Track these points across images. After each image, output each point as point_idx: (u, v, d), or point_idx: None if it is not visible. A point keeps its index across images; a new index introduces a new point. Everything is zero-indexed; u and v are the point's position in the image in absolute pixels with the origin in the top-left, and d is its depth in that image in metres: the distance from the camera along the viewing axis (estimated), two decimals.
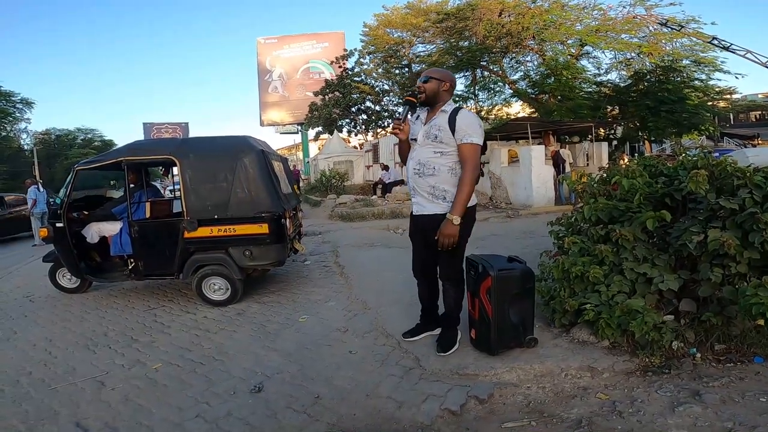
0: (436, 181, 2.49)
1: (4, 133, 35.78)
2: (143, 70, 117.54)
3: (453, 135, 2.41)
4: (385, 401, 2.32)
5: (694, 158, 2.86)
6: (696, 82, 15.84)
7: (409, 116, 2.56)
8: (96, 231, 4.59)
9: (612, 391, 2.25)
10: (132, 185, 4.49)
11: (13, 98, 34.86)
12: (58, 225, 4.33)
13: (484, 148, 2.64)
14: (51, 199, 10.35)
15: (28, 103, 36.10)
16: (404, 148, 2.65)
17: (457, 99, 20.14)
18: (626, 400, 2.12)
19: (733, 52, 15.44)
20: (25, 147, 37.85)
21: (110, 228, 4.58)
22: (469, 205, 2.48)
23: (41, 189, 10.51)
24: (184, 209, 4.06)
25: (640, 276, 2.55)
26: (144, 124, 38.45)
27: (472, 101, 20.37)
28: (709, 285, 2.34)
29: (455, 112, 2.44)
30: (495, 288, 2.47)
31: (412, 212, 2.71)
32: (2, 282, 5.98)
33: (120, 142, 49.32)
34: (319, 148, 29.30)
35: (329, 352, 2.98)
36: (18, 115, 36.35)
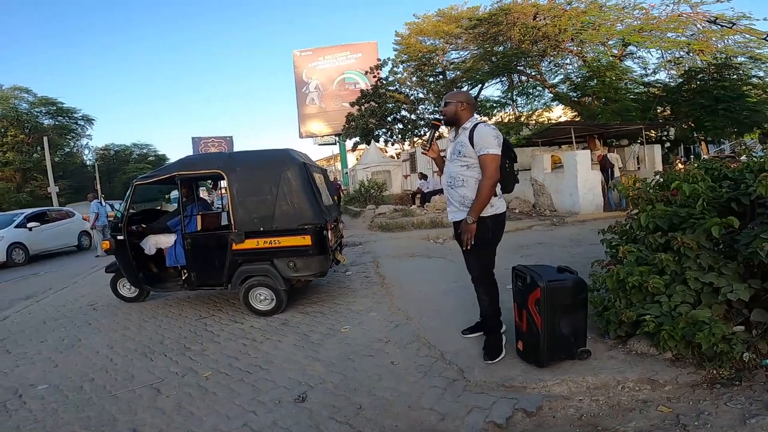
0: (465, 191, 2.70)
1: (68, 149, 38.07)
2: (190, 86, 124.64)
3: (473, 149, 2.64)
4: (427, 413, 2.28)
5: (761, 160, 2.64)
6: (754, 79, 14.73)
7: (434, 137, 2.88)
8: (153, 243, 4.86)
9: (675, 404, 2.11)
10: (184, 199, 4.72)
11: (75, 115, 36.98)
12: (119, 237, 4.61)
13: (514, 157, 2.84)
14: (113, 211, 11.09)
15: (88, 120, 38.19)
16: (440, 162, 3.01)
17: (494, 105, 19.83)
18: (691, 413, 1.98)
19: None
20: (87, 162, 40.28)
21: (166, 240, 4.83)
22: (497, 212, 2.71)
23: (103, 203, 11.28)
24: (232, 222, 4.22)
25: (706, 286, 2.37)
26: (192, 138, 40.39)
27: (510, 107, 19.98)
28: None
29: (473, 128, 2.68)
30: (545, 299, 2.39)
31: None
32: (68, 291, 6.43)
33: (171, 155, 52.22)
34: (356, 159, 29.68)
35: (371, 362, 2.98)
36: (80, 131, 38.60)
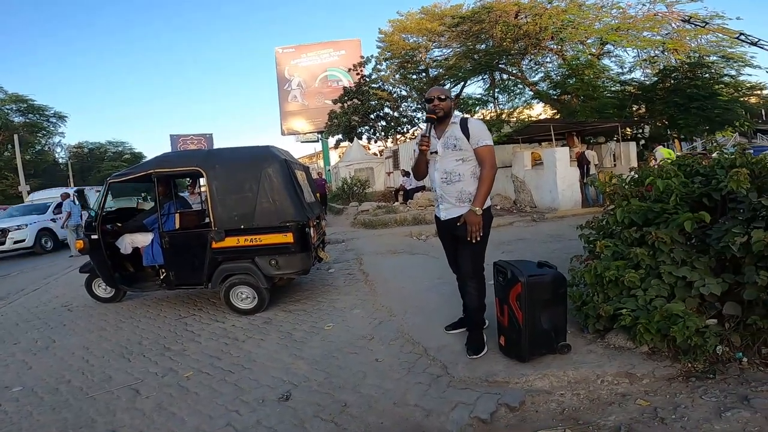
0: (462, 186, 2.68)
1: (39, 147, 36.85)
2: (168, 83, 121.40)
3: (468, 141, 2.65)
4: (412, 409, 2.29)
5: (732, 156, 2.73)
6: (725, 77, 15.24)
7: (432, 131, 2.76)
8: (129, 242, 4.73)
9: (653, 397, 2.17)
10: (161, 197, 4.62)
11: (46, 112, 35.86)
12: (93, 237, 4.48)
13: None
14: (84, 212, 10.78)
15: (61, 117, 37.08)
16: (422, 165, 2.84)
17: (476, 102, 19.97)
18: (668, 406, 2.04)
19: (762, 48, 14.81)
20: (60, 160, 39.17)
21: (142, 239, 4.71)
22: (488, 205, 2.72)
23: (76, 202, 10.94)
24: (212, 220, 4.15)
25: (680, 280, 2.44)
26: (171, 135, 39.58)
27: (491, 104, 20.17)
28: (755, 288, 2.22)
29: (464, 121, 2.71)
30: (525, 294, 2.42)
31: (438, 217, 2.87)
32: (42, 292, 6.22)
33: (148, 153, 51.09)
34: (339, 156, 29.55)
35: (356, 359, 2.98)
36: (52, 129, 37.43)
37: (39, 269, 8.92)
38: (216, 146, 36.59)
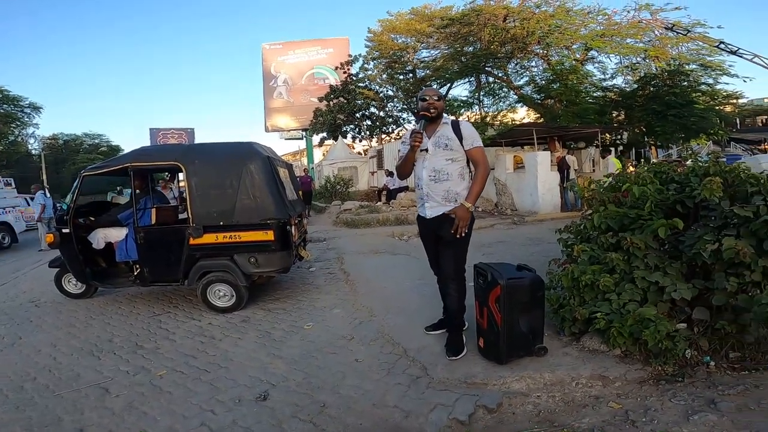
0: (449, 185, 2.71)
1: (12, 138, 36.05)
2: (150, 76, 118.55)
3: (461, 143, 2.69)
4: (392, 411, 2.29)
5: (706, 164, 2.81)
6: (703, 86, 15.71)
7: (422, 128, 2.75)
8: (102, 237, 4.60)
9: (624, 400, 2.21)
10: (138, 191, 4.50)
11: (21, 103, 35.10)
12: (65, 231, 4.34)
13: None
14: (58, 204, 10.43)
15: (36, 108, 36.36)
16: (410, 163, 2.80)
17: (462, 105, 20.14)
18: (639, 409, 2.08)
19: (741, 57, 15.32)
20: (33, 152, 38.22)
21: (116, 234, 4.59)
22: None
23: (48, 195, 10.57)
24: (190, 216, 4.06)
25: (652, 284, 2.50)
26: (150, 129, 38.55)
27: (476, 107, 20.38)
28: (724, 294, 2.29)
29: (456, 122, 2.77)
30: (504, 297, 2.44)
31: (422, 216, 2.86)
32: (9, 287, 6.01)
33: (127, 147, 49.97)
34: (323, 154, 29.37)
35: (335, 360, 2.96)
36: (26, 119, 36.67)
37: (7, 263, 8.58)
38: (198, 141, 35.92)
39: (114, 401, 2.60)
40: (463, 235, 2.65)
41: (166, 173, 5.68)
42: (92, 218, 4.83)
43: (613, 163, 8.57)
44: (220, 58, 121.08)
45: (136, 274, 4.34)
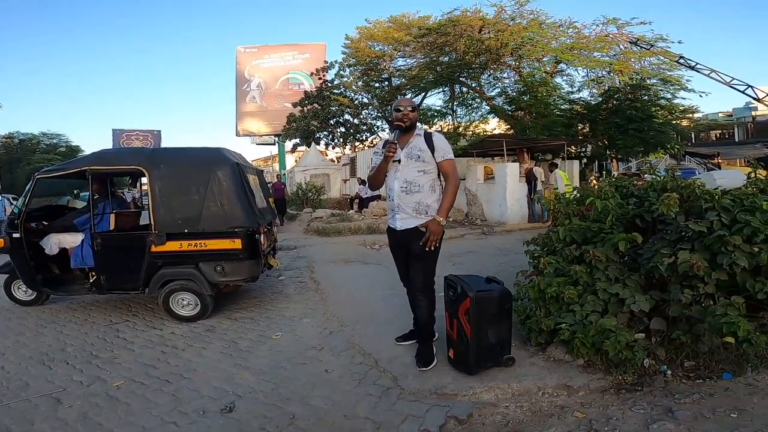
0: (421, 197, 2.70)
1: None
2: (115, 75, 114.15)
3: (432, 154, 2.69)
4: (362, 422, 2.26)
5: (664, 180, 2.96)
6: (662, 100, 16.44)
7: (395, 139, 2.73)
8: (56, 242, 4.36)
9: (588, 409, 2.26)
10: (96, 196, 4.29)
11: None
12: (15, 235, 4.09)
13: None
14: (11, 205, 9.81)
15: None
16: (383, 173, 2.78)
17: (435, 114, 20.40)
18: (602, 419, 2.14)
19: (699, 72, 16.13)
20: None
21: (71, 240, 4.35)
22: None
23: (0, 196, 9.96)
24: (152, 222, 3.91)
25: (613, 296, 2.59)
26: (113, 130, 36.78)
27: (449, 117, 20.70)
28: (679, 305, 2.40)
29: (428, 135, 2.77)
30: (473, 309, 2.46)
31: (392, 228, 2.84)
32: None
33: (87, 148, 47.71)
34: (295, 160, 29.09)
35: (304, 370, 2.90)
36: None
37: None
38: (165, 144, 34.70)
39: (67, 412, 2.48)
40: (432, 249, 2.64)
41: (128, 177, 5.44)
42: (45, 222, 4.57)
43: (560, 177, 8.82)
44: (191, 59, 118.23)
45: (92, 281, 4.14)
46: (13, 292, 4.59)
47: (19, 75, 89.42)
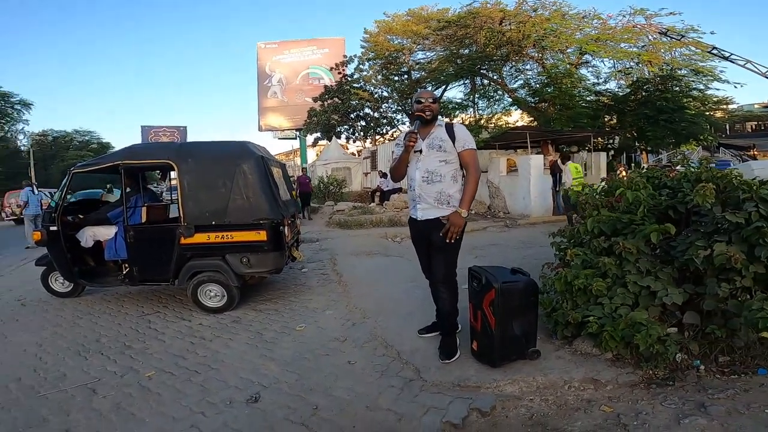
0: (442, 187, 2.69)
1: (1, 134, 35.73)
2: (143, 73, 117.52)
3: (453, 144, 2.69)
4: (385, 413, 2.27)
5: (698, 170, 2.84)
6: (694, 91, 15.86)
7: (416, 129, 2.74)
8: (90, 235, 4.53)
9: (616, 403, 2.22)
10: (128, 189, 4.43)
11: (11, 99, 35.07)
12: (52, 228, 4.26)
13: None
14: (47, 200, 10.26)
15: (26, 104, 36.27)
16: (404, 164, 2.81)
17: (456, 107, 20.18)
18: (631, 413, 2.09)
19: (733, 62, 15.47)
20: (22, 148, 37.87)
21: (105, 232, 4.52)
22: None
23: (36, 191, 10.41)
24: (181, 215, 4.01)
25: (644, 289, 2.52)
26: (142, 126, 38.37)
27: (471, 109, 20.44)
28: (715, 299, 2.31)
29: (450, 125, 2.77)
30: (498, 300, 2.44)
31: (414, 218, 2.85)
32: None
33: (117, 144, 49.41)
34: (317, 154, 29.29)
35: (328, 362, 2.93)
36: (16, 116, 36.49)
37: None
38: (190, 140, 35.57)
39: (101, 402, 2.55)
40: (453, 241, 2.63)
41: (158, 171, 5.60)
42: (81, 216, 4.75)
43: (568, 169, 8.59)
44: (214, 57, 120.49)
45: (125, 273, 4.28)
46: (51, 284, 4.78)
47: (52, 74, 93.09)
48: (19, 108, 36.06)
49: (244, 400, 2.48)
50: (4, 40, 73.93)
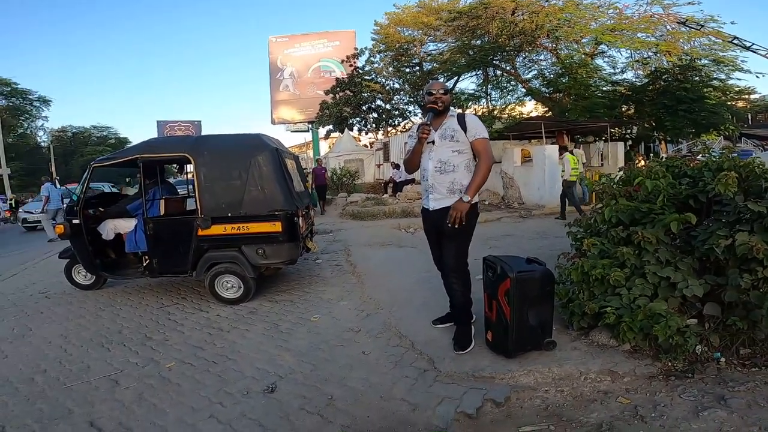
0: (455, 177, 2.70)
1: (21, 131, 36.82)
2: (157, 69, 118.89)
3: (465, 134, 2.70)
4: (399, 403, 2.29)
5: (719, 159, 2.77)
6: (715, 81, 15.39)
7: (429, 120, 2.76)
8: (111, 228, 4.63)
9: (633, 395, 2.19)
10: (147, 182, 4.51)
11: (30, 96, 36.00)
12: (75, 222, 4.36)
13: None
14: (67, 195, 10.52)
15: (45, 101, 37.28)
16: (418, 155, 2.84)
17: (469, 98, 19.95)
18: (648, 405, 2.07)
19: (755, 52, 14.96)
20: (42, 144, 38.89)
21: (125, 225, 4.61)
22: (477, 200, 2.75)
23: (57, 186, 10.68)
24: (198, 207, 4.08)
25: (663, 280, 2.47)
26: (158, 121, 38.86)
27: (484, 100, 20.19)
28: (736, 290, 2.26)
29: (462, 115, 2.77)
30: (514, 290, 2.42)
31: (426, 209, 2.86)
32: (18, 278, 6.06)
33: (134, 139, 50.34)
34: (329, 147, 29.34)
35: (342, 352, 2.96)
36: (35, 112, 37.52)
37: (16, 253, 8.70)
38: (204, 133, 36.01)
39: (124, 393, 2.60)
40: (459, 226, 2.60)
41: (175, 165, 5.68)
42: (102, 209, 4.85)
43: (567, 160, 8.43)
44: (227, 53, 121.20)
45: (145, 265, 4.36)
46: (74, 277, 4.91)
47: (70, 71, 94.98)
48: (38, 105, 37.12)
49: (260, 390, 2.52)
50: (23, 38, 75.58)
